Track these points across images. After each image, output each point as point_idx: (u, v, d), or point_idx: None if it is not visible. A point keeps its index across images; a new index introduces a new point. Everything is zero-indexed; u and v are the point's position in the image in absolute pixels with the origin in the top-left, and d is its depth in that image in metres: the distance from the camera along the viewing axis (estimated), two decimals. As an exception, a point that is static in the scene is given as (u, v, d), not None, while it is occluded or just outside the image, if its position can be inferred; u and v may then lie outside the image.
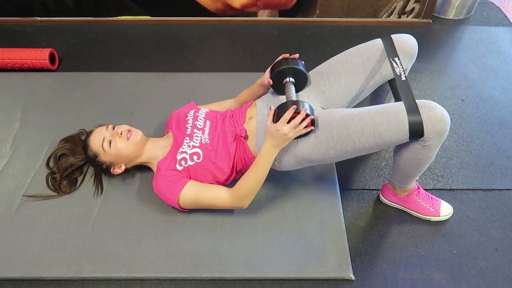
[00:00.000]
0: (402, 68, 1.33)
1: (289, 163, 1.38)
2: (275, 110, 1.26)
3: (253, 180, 1.33)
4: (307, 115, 1.22)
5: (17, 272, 1.35)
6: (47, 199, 1.53)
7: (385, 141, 1.23)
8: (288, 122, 1.23)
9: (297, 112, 1.21)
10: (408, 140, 1.22)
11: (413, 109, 1.18)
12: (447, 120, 1.18)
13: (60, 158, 1.59)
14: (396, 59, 1.35)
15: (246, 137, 1.41)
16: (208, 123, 1.45)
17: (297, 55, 1.42)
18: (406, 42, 1.41)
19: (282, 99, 1.42)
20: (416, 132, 1.19)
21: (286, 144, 1.28)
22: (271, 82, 1.42)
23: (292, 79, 1.39)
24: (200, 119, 1.46)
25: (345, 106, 1.45)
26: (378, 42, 1.41)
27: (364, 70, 1.40)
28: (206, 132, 1.42)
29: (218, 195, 1.37)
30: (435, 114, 1.17)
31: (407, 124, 1.18)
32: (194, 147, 1.38)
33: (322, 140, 1.28)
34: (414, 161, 1.30)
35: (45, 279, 1.35)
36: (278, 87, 1.44)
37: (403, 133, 1.20)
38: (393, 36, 1.41)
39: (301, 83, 1.42)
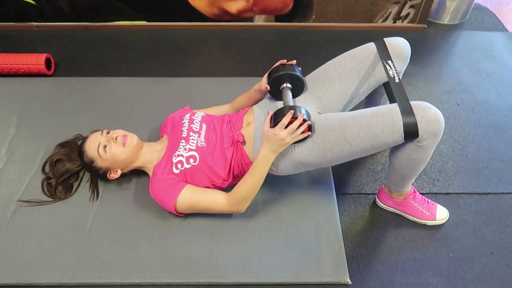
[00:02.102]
0: (396, 70, 1.34)
1: (286, 167, 1.38)
2: (272, 115, 1.27)
3: (250, 184, 1.33)
4: (304, 121, 1.23)
5: (11, 278, 1.34)
6: (43, 205, 1.53)
7: (381, 143, 1.23)
8: (286, 127, 1.23)
9: (294, 118, 1.22)
10: (404, 141, 1.22)
11: (407, 110, 1.19)
12: (441, 120, 1.19)
13: (56, 164, 1.58)
14: (389, 62, 1.36)
15: (243, 143, 1.41)
16: (204, 126, 1.46)
17: (294, 61, 1.43)
18: (399, 45, 1.42)
19: (279, 104, 1.43)
20: (411, 132, 1.19)
21: (283, 149, 1.29)
22: (269, 87, 1.43)
23: (289, 85, 1.40)
24: (196, 122, 1.47)
25: (340, 110, 1.45)
26: (371, 46, 1.42)
27: (358, 74, 1.41)
28: (202, 135, 1.42)
29: (215, 199, 1.37)
30: (429, 114, 1.17)
31: (402, 125, 1.19)
32: (190, 150, 1.38)
33: (318, 144, 1.29)
34: (409, 162, 1.30)
35: (40, 285, 1.34)
36: (275, 93, 1.45)
37: (398, 134, 1.20)
38: (386, 39, 1.42)
39: (298, 88, 1.43)
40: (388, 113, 1.22)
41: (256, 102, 1.55)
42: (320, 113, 1.43)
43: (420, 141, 1.21)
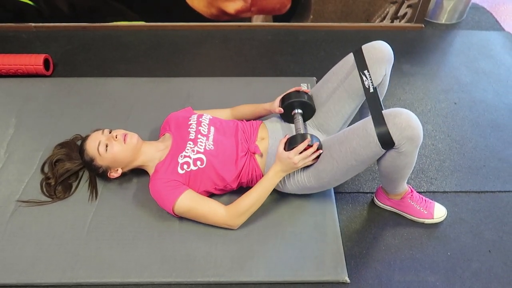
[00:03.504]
0: (371, 80, 1.33)
1: (291, 187, 1.45)
2: (287, 141, 1.35)
3: (254, 198, 1.37)
4: (317, 149, 1.32)
5: (11, 278, 1.34)
6: (42, 205, 1.53)
7: (363, 156, 1.25)
8: (300, 152, 1.31)
9: (309, 145, 1.31)
10: (384, 150, 1.23)
11: (378, 120, 1.19)
12: (415, 124, 1.17)
13: (56, 164, 1.58)
14: (365, 71, 1.35)
15: (260, 155, 1.46)
16: (212, 129, 1.47)
17: (308, 90, 1.53)
18: (377, 49, 1.40)
19: (290, 126, 1.56)
20: (387, 142, 1.19)
21: (292, 171, 1.37)
22: (282, 111, 1.52)
23: (300, 111, 1.50)
24: (204, 124, 1.48)
25: (340, 129, 1.52)
26: (350, 58, 1.44)
27: (346, 91, 1.45)
28: (211, 138, 1.44)
29: (215, 208, 1.38)
30: (400, 120, 1.17)
31: (375, 135, 1.19)
32: (198, 152, 1.39)
33: (314, 166, 1.36)
34: (394, 168, 1.31)
35: (39, 285, 1.34)
36: (287, 117, 1.56)
37: (374, 145, 1.21)
38: (363, 46, 1.42)
39: (308, 114, 1.54)
40: (362, 126, 1.25)
41: (259, 117, 1.63)
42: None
43: (398, 147, 1.21)
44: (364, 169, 1.70)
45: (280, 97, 1.53)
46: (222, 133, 1.47)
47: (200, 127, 1.47)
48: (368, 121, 1.23)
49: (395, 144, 1.19)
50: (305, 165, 1.35)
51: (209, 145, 1.42)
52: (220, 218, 1.38)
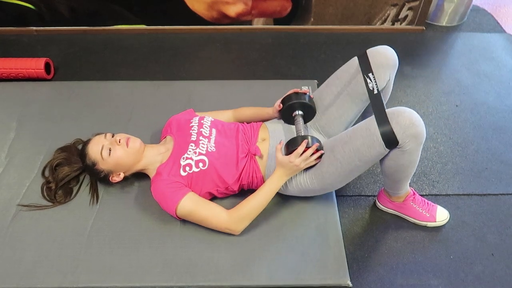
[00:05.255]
0: (375, 82, 1.33)
1: (294, 190, 1.45)
2: (286, 144, 1.35)
3: (256, 203, 1.36)
4: (317, 150, 1.32)
5: (12, 282, 1.34)
6: (42, 209, 1.52)
7: (367, 156, 1.25)
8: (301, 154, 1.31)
9: (308, 147, 1.31)
10: (388, 149, 1.23)
11: (382, 119, 1.20)
12: (417, 122, 1.18)
13: (56, 168, 1.58)
14: (370, 74, 1.36)
15: (260, 157, 1.46)
16: (214, 131, 1.47)
17: (307, 90, 1.51)
18: (382, 54, 1.42)
19: (291, 127, 1.55)
20: (391, 141, 1.20)
21: (296, 173, 1.36)
22: (281, 106, 1.51)
23: (300, 112, 1.49)
24: (206, 126, 1.48)
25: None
26: (355, 62, 1.45)
27: (349, 95, 1.46)
28: (212, 140, 1.43)
29: (217, 212, 1.37)
30: (403, 119, 1.18)
31: (379, 135, 1.20)
32: (200, 154, 1.39)
33: (317, 167, 1.36)
34: (398, 167, 1.31)
35: (40, 290, 1.34)
36: (287, 118, 1.55)
37: (378, 144, 1.22)
38: (368, 51, 1.43)
39: (309, 115, 1.54)
40: (366, 126, 1.25)
41: (262, 120, 1.62)
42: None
43: (402, 146, 1.21)
44: (367, 170, 1.71)
45: (281, 99, 1.53)
46: (224, 135, 1.47)
47: (202, 129, 1.46)
48: (371, 120, 1.23)
49: (399, 143, 1.20)
50: (308, 165, 1.34)
51: (211, 147, 1.41)
52: (222, 222, 1.37)
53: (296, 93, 1.50)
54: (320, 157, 1.35)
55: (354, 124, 1.46)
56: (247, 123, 1.59)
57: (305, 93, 1.50)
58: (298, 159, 1.30)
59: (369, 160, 1.27)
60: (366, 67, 1.38)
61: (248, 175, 1.45)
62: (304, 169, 1.39)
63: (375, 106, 1.26)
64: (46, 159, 1.68)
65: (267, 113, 1.60)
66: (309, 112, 1.52)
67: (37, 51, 2.37)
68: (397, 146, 1.22)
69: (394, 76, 1.47)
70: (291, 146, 1.33)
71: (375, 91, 1.31)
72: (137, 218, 1.50)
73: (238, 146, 1.45)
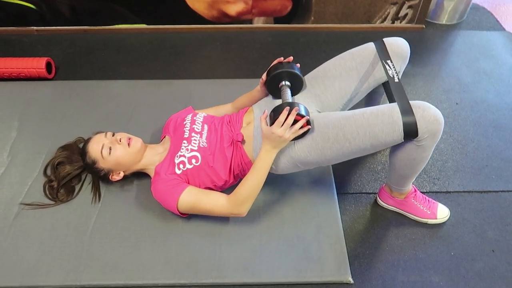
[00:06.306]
0: (395, 70, 1.35)
1: (286, 166, 1.38)
2: (270, 114, 1.28)
3: (251, 183, 1.32)
4: (302, 116, 1.23)
5: (14, 280, 1.34)
6: (45, 208, 1.53)
7: (380, 142, 1.24)
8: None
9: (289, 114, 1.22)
10: (403, 140, 1.23)
11: (407, 110, 1.20)
12: (441, 120, 1.20)
13: (58, 167, 1.58)
14: (388, 61, 1.37)
15: (243, 142, 1.42)
16: (205, 127, 1.46)
17: (291, 58, 1.44)
18: (398, 45, 1.43)
19: (278, 103, 1.42)
20: (411, 132, 1.20)
21: (284, 145, 1.29)
22: (265, 78, 1.44)
23: (287, 83, 1.41)
24: (198, 123, 1.47)
25: (340, 109, 1.46)
26: (370, 46, 1.43)
27: (358, 73, 1.42)
28: (204, 136, 1.43)
29: (217, 200, 1.37)
30: (428, 114, 1.18)
31: (402, 124, 1.20)
32: (192, 150, 1.39)
33: (318, 142, 1.29)
34: (409, 161, 1.31)
35: (42, 287, 1.34)
36: (274, 92, 1.46)
37: (398, 133, 1.21)
38: (385, 39, 1.44)
39: (297, 86, 1.44)
40: (388, 112, 1.22)
41: (255, 102, 1.56)
42: (319, 112, 1.44)
43: (419, 140, 1.22)
44: (368, 168, 1.72)
45: (266, 71, 1.45)
46: (214, 129, 1.46)
47: (194, 125, 1.46)
48: (393, 108, 1.22)
49: (418, 136, 1.20)
50: (295, 135, 1.26)
51: (202, 142, 1.41)
52: (224, 208, 1.35)
53: (281, 63, 1.42)
54: (309, 124, 1.27)
55: (351, 108, 1.42)
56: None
57: (289, 62, 1.42)
58: (280, 129, 1.23)
59: (380, 146, 1.26)
60: (384, 54, 1.39)
61: (237, 163, 1.42)
62: (297, 142, 1.32)
63: (397, 95, 1.26)
64: (48, 158, 1.68)
65: (257, 91, 1.54)
66: (297, 83, 1.42)
67: (38, 50, 2.37)
68: (414, 139, 1.22)
69: (403, 69, 1.48)
70: (274, 115, 1.24)
71: (395, 79, 1.31)
72: (139, 216, 1.51)
73: (223, 136, 1.42)
